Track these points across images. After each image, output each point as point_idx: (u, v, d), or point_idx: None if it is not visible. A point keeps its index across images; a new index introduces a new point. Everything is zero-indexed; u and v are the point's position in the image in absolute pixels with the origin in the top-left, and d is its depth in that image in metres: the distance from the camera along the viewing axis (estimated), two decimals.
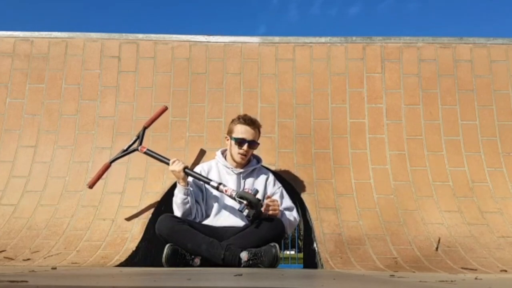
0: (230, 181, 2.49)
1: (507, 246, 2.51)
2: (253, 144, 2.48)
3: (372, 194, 2.88)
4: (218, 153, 2.61)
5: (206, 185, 2.48)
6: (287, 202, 2.55)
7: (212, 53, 3.33)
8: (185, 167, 2.43)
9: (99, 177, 2.73)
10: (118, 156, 2.78)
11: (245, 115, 2.56)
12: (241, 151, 2.46)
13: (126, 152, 2.77)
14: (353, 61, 3.30)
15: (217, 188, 2.37)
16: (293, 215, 2.50)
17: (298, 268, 5.61)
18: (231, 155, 2.53)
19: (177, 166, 2.42)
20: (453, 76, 3.25)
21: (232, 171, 2.51)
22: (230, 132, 2.53)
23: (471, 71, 3.25)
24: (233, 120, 2.56)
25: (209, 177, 2.48)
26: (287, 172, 2.97)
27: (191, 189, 2.44)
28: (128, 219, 2.74)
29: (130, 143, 2.78)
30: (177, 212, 2.43)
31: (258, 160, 2.65)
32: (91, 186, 2.72)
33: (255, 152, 2.64)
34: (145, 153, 2.68)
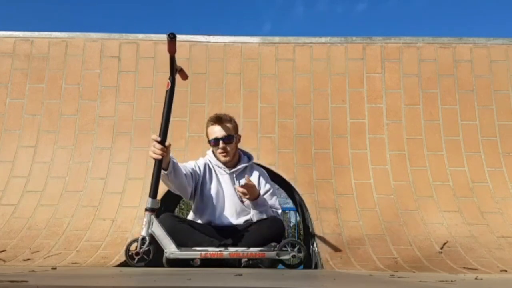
0: (224, 181, 2.49)
1: (507, 246, 2.51)
2: (227, 139, 2.42)
3: (372, 194, 2.88)
4: (210, 152, 2.56)
5: (203, 182, 2.46)
6: (274, 201, 2.50)
7: (212, 53, 3.33)
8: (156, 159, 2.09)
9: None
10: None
11: (214, 114, 2.48)
12: (219, 150, 2.44)
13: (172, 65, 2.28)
14: (353, 61, 3.30)
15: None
16: (276, 212, 2.45)
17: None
18: (216, 157, 2.51)
19: (152, 150, 2.11)
20: (453, 76, 3.24)
21: (224, 170, 2.50)
22: (206, 137, 2.51)
23: (471, 71, 3.25)
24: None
25: (201, 173, 2.45)
26: (287, 172, 2.97)
27: (171, 171, 2.19)
28: (128, 219, 2.74)
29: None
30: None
31: (249, 157, 2.60)
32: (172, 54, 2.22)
33: (247, 149, 2.61)
34: (166, 91, 2.24)
